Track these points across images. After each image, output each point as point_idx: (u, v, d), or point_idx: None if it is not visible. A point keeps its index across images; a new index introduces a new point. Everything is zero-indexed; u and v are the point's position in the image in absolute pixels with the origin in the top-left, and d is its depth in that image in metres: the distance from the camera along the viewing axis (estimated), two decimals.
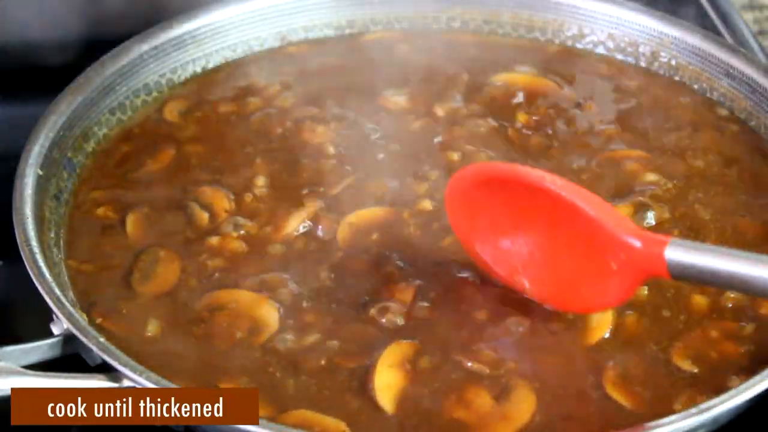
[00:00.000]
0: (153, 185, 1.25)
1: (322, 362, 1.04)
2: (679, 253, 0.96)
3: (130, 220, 1.19)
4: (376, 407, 1.00)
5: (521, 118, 1.34)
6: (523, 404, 0.99)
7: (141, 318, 1.09)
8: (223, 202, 1.21)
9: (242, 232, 1.17)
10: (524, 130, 1.32)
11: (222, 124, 1.34)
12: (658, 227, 1.18)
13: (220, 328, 1.07)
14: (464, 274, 1.12)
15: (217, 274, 1.13)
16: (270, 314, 1.08)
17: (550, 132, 1.32)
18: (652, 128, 1.34)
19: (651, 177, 1.25)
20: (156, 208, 1.21)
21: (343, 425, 0.98)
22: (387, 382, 1.01)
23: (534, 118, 1.34)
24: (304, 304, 1.09)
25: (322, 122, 1.33)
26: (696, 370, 1.04)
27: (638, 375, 1.03)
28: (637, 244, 0.98)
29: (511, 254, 1.08)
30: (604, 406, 1.00)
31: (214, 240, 1.16)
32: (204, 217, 1.19)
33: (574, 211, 1.01)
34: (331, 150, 1.28)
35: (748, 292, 1.00)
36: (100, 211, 1.21)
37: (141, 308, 1.10)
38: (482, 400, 1.00)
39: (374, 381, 1.01)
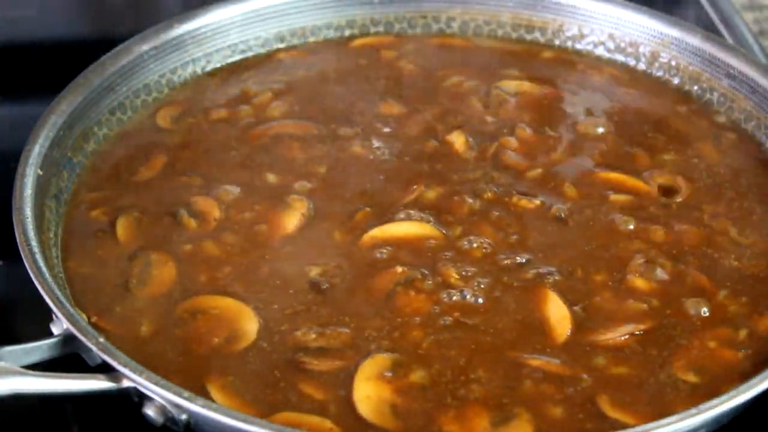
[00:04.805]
0: (145, 191, 1.25)
1: (302, 369, 1.04)
2: None
3: (121, 224, 1.19)
4: (358, 415, 1.00)
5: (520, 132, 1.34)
6: None
7: (135, 318, 1.09)
8: (213, 210, 1.21)
9: (228, 239, 1.17)
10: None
11: (213, 132, 1.34)
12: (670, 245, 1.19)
13: (199, 333, 1.07)
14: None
15: (202, 279, 1.13)
16: (250, 325, 1.08)
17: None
18: (649, 144, 1.34)
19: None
20: (147, 213, 1.21)
21: (329, 423, 0.98)
22: (366, 393, 1.01)
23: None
24: (287, 312, 1.09)
25: (310, 132, 1.33)
26: (698, 381, 1.04)
27: (640, 393, 1.02)
28: None
29: None
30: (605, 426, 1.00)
31: (200, 245, 1.17)
32: (192, 223, 1.19)
33: None
34: (319, 158, 1.29)
35: None
36: (94, 213, 1.21)
37: (135, 308, 1.10)
38: (480, 420, 1.00)
39: (354, 393, 1.01)
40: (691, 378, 1.04)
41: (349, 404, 1.00)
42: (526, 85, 1.43)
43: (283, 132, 1.33)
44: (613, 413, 1.00)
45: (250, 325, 1.08)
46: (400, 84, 1.43)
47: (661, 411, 0.98)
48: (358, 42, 1.51)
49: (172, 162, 1.29)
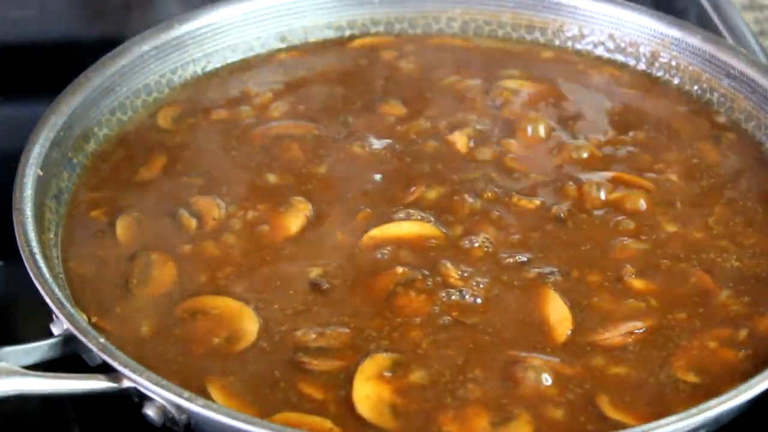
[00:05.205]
0: (145, 191, 1.25)
1: (302, 369, 1.04)
2: None
3: (121, 224, 1.19)
4: (357, 415, 1.00)
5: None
6: None
7: (135, 318, 1.09)
8: (213, 210, 1.21)
9: (229, 240, 1.17)
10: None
11: (213, 132, 1.34)
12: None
13: (199, 333, 1.07)
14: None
15: (202, 279, 1.13)
16: (250, 325, 1.08)
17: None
18: (649, 144, 1.34)
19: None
20: (147, 213, 1.21)
21: (329, 423, 0.98)
22: (365, 393, 1.01)
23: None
24: (288, 312, 1.09)
25: (310, 133, 1.33)
26: (698, 381, 1.04)
27: (640, 394, 1.02)
28: None
29: None
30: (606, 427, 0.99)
31: (200, 246, 1.17)
32: (192, 223, 1.19)
33: None
34: (319, 159, 1.29)
35: None
36: (94, 213, 1.21)
37: (135, 309, 1.10)
38: (480, 421, 1.00)
39: (353, 393, 1.01)
40: (692, 378, 1.04)
41: (348, 404, 1.00)
42: (527, 85, 1.43)
43: (284, 132, 1.33)
44: (614, 414, 1.00)
45: (250, 325, 1.08)
46: (401, 84, 1.43)
47: (662, 411, 0.98)
48: (358, 42, 1.51)
49: (173, 162, 1.29)
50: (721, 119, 1.38)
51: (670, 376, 1.04)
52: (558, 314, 1.09)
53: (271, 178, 1.26)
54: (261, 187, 1.25)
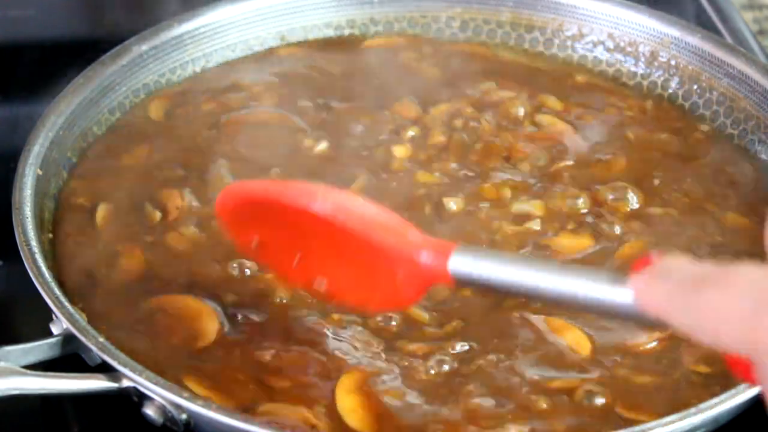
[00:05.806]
0: (124, 181, 1.24)
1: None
2: (462, 264, 0.89)
3: (99, 215, 1.19)
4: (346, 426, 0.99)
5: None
6: None
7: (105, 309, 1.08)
8: (175, 200, 1.20)
9: (194, 231, 1.17)
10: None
11: (202, 124, 1.33)
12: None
13: (158, 331, 1.06)
14: None
15: (166, 272, 1.12)
16: (209, 324, 1.06)
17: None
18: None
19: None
20: (120, 204, 1.20)
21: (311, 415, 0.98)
22: (350, 406, 0.99)
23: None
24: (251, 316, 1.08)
25: (295, 125, 1.33)
26: (710, 371, 1.03)
27: (651, 391, 1.02)
28: (419, 257, 0.91)
29: (303, 261, 1.01)
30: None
31: (165, 238, 1.16)
32: (156, 215, 1.18)
33: (348, 231, 0.94)
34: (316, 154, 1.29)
35: (539, 299, 0.94)
36: (78, 201, 1.21)
37: (100, 301, 1.09)
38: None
39: (338, 406, 0.99)
40: (703, 369, 1.03)
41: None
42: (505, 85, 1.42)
43: (275, 124, 1.32)
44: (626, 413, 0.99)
45: (210, 324, 1.06)
46: (399, 83, 1.42)
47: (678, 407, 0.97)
48: (356, 41, 1.50)
49: (154, 154, 1.28)
50: (721, 118, 1.38)
51: (683, 373, 1.03)
52: (573, 339, 1.06)
53: (259, 172, 1.25)
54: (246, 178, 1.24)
